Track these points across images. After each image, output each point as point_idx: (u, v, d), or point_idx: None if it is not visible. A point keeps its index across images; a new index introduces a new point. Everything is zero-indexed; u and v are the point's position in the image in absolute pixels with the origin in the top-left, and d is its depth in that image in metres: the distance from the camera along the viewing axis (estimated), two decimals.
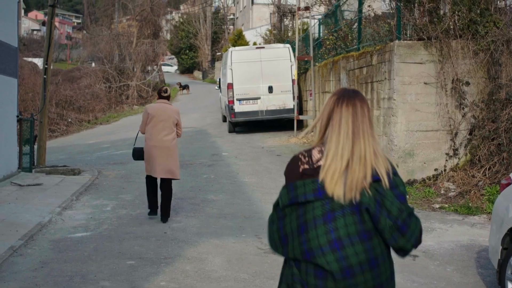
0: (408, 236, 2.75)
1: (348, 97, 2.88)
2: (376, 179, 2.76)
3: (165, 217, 9.28)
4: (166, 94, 9.47)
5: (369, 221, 2.74)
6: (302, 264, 2.77)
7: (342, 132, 2.80)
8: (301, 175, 2.83)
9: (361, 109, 2.85)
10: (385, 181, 2.77)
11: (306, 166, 2.84)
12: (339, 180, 2.73)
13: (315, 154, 2.85)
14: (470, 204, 9.91)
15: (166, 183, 9.32)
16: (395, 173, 2.85)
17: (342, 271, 2.68)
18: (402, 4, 11.69)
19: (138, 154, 9.54)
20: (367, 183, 2.74)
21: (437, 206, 10.17)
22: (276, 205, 2.91)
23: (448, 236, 8.43)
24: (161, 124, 9.17)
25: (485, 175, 10.44)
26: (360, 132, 2.81)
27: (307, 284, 2.74)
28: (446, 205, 10.14)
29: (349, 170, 2.74)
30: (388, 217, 2.72)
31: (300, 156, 2.89)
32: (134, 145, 9.95)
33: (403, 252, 2.82)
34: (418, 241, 2.83)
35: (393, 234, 2.73)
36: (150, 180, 9.44)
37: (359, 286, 2.70)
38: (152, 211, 9.51)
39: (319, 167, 2.79)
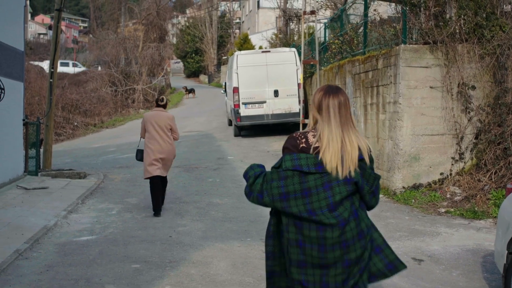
0: (377, 196, 3.77)
1: (333, 92, 3.66)
2: (361, 158, 3.62)
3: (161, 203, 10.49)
4: (162, 103, 10.55)
5: (353, 188, 3.60)
6: (303, 221, 3.56)
7: (332, 121, 3.58)
8: (301, 150, 3.62)
9: (344, 102, 3.64)
10: (367, 159, 3.66)
11: (304, 145, 3.63)
12: (338, 161, 3.55)
13: (310, 137, 3.65)
14: (476, 209, 9.88)
15: (163, 179, 10.49)
16: (370, 151, 3.71)
17: (339, 223, 3.52)
18: (407, 8, 11.68)
19: (142, 155, 10.51)
20: (357, 162, 3.59)
21: (443, 210, 10.15)
22: (277, 167, 3.64)
23: (454, 240, 8.40)
24: (156, 129, 10.21)
25: (491, 179, 10.41)
26: (346, 121, 3.62)
27: (308, 238, 3.55)
28: (452, 210, 10.11)
29: (345, 152, 3.56)
30: (366, 184, 3.66)
31: (297, 136, 3.69)
32: (138, 147, 10.85)
33: (372, 207, 3.79)
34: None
35: (370, 196, 3.70)
36: (153, 181, 10.23)
37: (347, 234, 3.54)
38: (156, 213, 10.19)
39: (315, 147, 3.58)
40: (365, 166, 3.64)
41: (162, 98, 10.68)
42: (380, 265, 3.74)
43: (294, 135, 3.70)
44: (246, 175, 3.82)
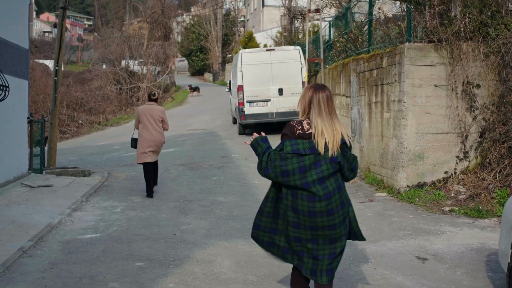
0: (355, 172, 4.81)
1: (321, 89, 4.73)
2: (343, 142, 4.66)
3: (154, 184, 11.91)
4: (154, 97, 11.91)
5: (337, 166, 4.67)
6: (298, 192, 4.63)
7: (324, 112, 4.64)
8: (297, 136, 4.66)
9: (330, 97, 4.71)
10: (348, 142, 4.68)
11: (300, 132, 4.66)
12: (327, 144, 4.58)
13: (305, 125, 4.69)
14: (480, 207, 9.86)
15: (155, 164, 11.93)
16: (349, 137, 4.72)
17: (326, 195, 4.60)
18: (412, 7, 11.64)
19: (135, 143, 11.83)
20: (339, 145, 4.63)
21: (447, 209, 10.13)
22: (279, 150, 4.66)
23: (458, 239, 8.38)
24: (149, 121, 11.49)
25: (496, 178, 10.38)
26: (332, 111, 4.67)
27: (301, 206, 4.62)
28: (456, 208, 10.09)
29: (333, 137, 4.60)
30: (347, 163, 4.72)
31: (294, 123, 4.71)
32: (132, 135, 12.08)
33: (350, 179, 4.85)
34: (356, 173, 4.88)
35: (349, 172, 4.77)
36: (145, 167, 11.64)
37: (333, 204, 4.62)
38: (149, 194, 11.56)
39: (309, 133, 4.63)
40: (346, 149, 4.71)
41: (154, 93, 12.08)
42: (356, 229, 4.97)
43: (292, 123, 4.72)
44: (254, 150, 4.85)
